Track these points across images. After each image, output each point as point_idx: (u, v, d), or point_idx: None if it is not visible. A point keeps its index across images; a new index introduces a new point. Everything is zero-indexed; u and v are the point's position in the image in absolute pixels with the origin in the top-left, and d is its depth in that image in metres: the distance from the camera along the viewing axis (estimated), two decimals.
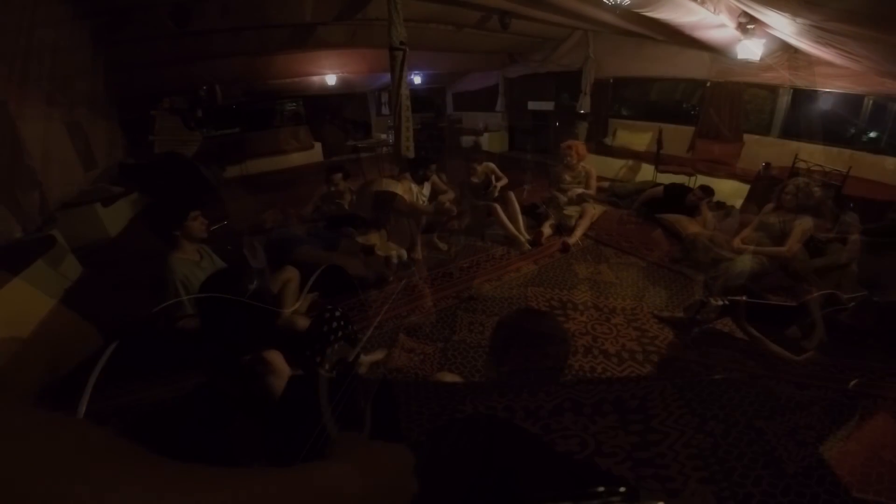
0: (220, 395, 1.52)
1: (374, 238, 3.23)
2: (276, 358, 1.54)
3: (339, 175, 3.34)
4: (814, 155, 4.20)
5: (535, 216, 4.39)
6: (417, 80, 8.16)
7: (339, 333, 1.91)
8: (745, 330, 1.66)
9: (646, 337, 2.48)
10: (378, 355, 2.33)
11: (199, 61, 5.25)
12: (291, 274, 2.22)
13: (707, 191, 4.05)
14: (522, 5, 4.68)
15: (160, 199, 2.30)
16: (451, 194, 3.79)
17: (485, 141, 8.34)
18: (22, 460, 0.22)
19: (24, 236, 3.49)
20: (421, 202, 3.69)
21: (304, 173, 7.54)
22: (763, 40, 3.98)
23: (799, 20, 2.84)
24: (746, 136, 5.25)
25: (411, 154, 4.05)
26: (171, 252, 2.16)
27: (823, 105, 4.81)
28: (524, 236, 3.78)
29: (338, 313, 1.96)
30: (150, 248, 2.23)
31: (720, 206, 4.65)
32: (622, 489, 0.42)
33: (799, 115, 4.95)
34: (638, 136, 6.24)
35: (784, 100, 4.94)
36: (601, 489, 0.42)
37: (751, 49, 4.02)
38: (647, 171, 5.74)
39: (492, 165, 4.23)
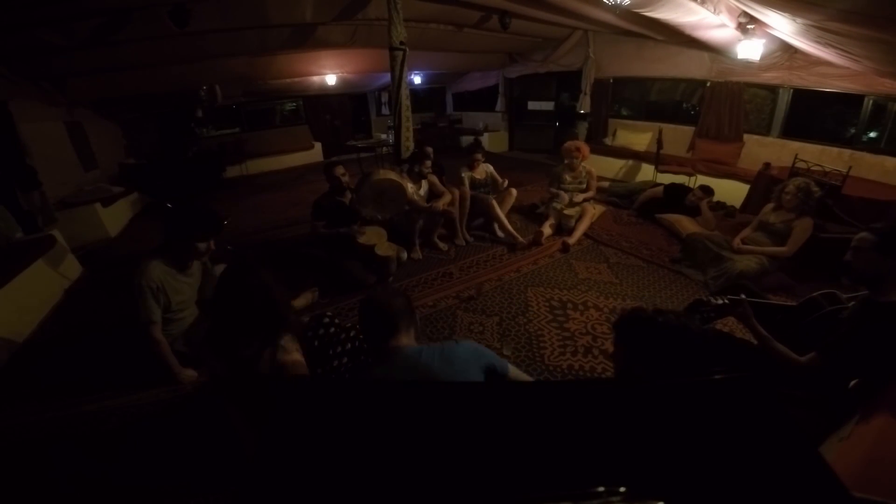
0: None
1: (375, 238, 3.23)
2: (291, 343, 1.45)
3: (341, 167, 3.34)
4: (814, 155, 4.19)
5: (535, 216, 4.40)
6: (417, 80, 8.16)
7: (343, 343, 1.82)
8: (754, 328, 1.64)
9: None
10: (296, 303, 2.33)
11: (199, 61, 5.24)
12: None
13: (707, 190, 4.05)
14: (522, 5, 4.68)
15: (191, 210, 2.18)
16: (449, 196, 3.76)
17: (485, 141, 8.35)
18: None
19: (24, 236, 3.49)
20: (418, 201, 3.66)
21: (304, 173, 7.56)
22: (763, 40, 3.97)
23: (799, 20, 2.84)
24: (746, 136, 5.25)
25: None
26: (155, 257, 2.06)
27: (823, 105, 4.81)
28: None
29: (326, 319, 1.84)
30: (149, 248, 2.20)
31: (720, 206, 4.65)
32: (622, 489, 0.42)
33: (799, 115, 4.95)
34: (638, 136, 6.24)
35: (784, 100, 4.94)
36: (601, 489, 0.42)
37: (751, 49, 4.01)
38: (647, 171, 5.73)
39: (490, 168, 4.23)
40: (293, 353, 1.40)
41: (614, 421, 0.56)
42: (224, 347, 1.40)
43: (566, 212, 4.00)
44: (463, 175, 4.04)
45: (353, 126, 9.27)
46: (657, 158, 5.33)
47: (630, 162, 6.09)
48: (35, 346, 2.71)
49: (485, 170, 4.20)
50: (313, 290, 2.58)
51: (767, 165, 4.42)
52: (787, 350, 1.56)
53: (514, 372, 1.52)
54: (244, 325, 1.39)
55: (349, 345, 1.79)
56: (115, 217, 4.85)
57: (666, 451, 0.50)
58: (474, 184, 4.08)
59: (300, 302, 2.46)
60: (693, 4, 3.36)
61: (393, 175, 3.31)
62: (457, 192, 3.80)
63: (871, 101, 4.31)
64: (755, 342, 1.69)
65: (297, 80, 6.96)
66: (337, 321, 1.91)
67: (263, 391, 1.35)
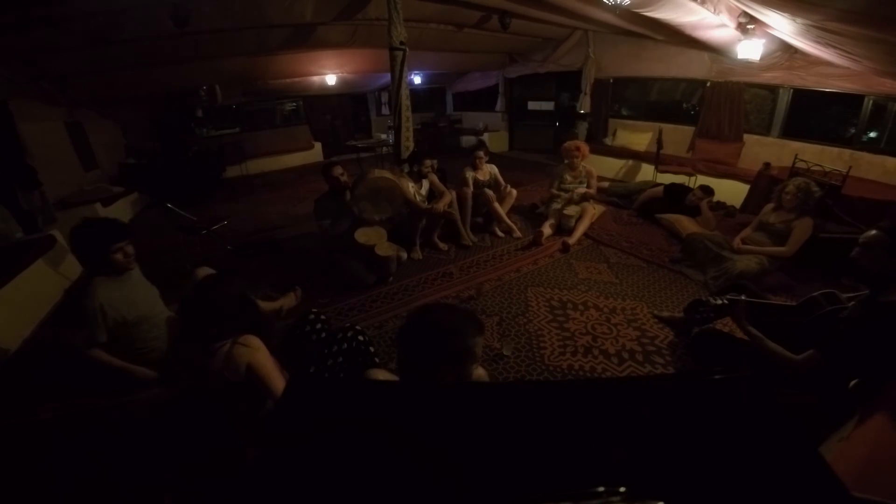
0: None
1: (375, 238, 3.23)
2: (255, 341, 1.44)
3: (339, 167, 3.33)
4: (814, 155, 4.19)
5: (535, 216, 4.40)
6: (417, 80, 8.15)
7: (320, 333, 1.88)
8: (745, 329, 1.65)
9: (646, 337, 2.49)
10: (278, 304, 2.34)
11: (198, 61, 5.25)
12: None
13: (707, 190, 4.05)
14: (522, 5, 4.68)
15: (86, 226, 2.02)
16: (449, 197, 3.75)
17: (485, 140, 8.36)
18: None
19: (24, 236, 3.49)
20: (419, 200, 3.66)
21: (304, 173, 7.56)
22: (763, 40, 3.98)
23: (799, 20, 2.84)
24: (746, 136, 5.25)
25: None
26: (94, 276, 1.94)
27: (823, 105, 4.81)
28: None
29: (311, 316, 1.92)
30: (149, 248, 2.17)
31: (720, 206, 4.65)
32: (622, 489, 0.42)
33: (799, 115, 4.95)
34: (638, 136, 6.24)
35: (784, 100, 4.94)
36: (601, 489, 0.42)
37: (751, 49, 4.01)
38: (647, 171, 5.73)
39: (495, 170, 4.22)
40: (256, 353, 1.39)
41: (614, 421, 0.56)
42: (191, 356, 1.40)
43: (566, 212, 4.00)
44: (466, 175, 4.02)
45: (353, 126, 9.27)
46: (657, 158, 5.33)
47: (630, 162, 6.09)
48: (34, 347, 2.70)
49: (489, 171, 4.17)
50: (295, 290, 2.54)
51: (767, 165, 4.42)
52: (781, 349, 1.56)
53: None
54: (213, 334, 1.39)
55: (345, 345, 1.79)
56: (115, 217, 4.84)
57: (666, 451, 0.50)
58: (477, 185, 4.06)
59: (286, 303, 2.44)
60: (693, 4, 3.36)
61: (389, 174, 3.30)
62: (454, 193, 3.80)
63: (871, 101, 4.31)
64: (749, 341, 1.70)
65: (296, 80, 6.96)
66: (323, 317, 1.93)
67: (244, 394, 1.35)
